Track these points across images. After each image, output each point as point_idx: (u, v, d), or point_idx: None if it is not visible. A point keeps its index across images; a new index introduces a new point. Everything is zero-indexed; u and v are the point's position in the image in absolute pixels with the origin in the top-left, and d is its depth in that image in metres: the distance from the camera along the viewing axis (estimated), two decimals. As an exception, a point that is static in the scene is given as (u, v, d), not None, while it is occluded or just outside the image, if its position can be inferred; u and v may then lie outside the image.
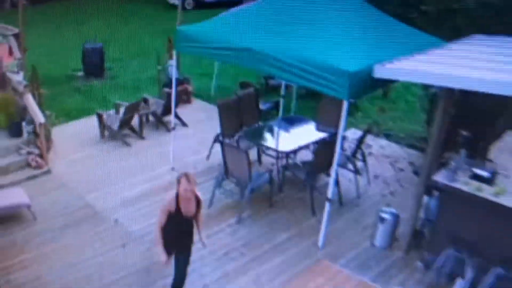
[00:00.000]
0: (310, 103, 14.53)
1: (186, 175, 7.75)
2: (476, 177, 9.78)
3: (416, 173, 12.76)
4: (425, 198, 10.66)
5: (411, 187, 12.02)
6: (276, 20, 11.11)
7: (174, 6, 23.19)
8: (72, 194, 11.90)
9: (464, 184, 9.63)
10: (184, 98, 16.05)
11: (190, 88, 16.69)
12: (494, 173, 9.85)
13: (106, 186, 12.16)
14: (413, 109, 13.97)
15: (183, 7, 17.70)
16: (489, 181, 9.69)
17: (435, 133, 10.18)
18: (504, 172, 10.01)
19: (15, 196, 11.21)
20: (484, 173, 9.81)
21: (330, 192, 10.28)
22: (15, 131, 13.20)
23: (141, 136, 14.35)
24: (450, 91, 9.85)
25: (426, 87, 12.65)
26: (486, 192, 9.37)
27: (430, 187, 10.42)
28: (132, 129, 14.41)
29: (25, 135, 13.14)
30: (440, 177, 9.89)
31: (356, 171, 12.26)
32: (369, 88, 10.18)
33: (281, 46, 10.31)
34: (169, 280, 9.03)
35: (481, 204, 9.32)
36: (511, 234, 9.04)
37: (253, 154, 12.27)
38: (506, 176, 9.90)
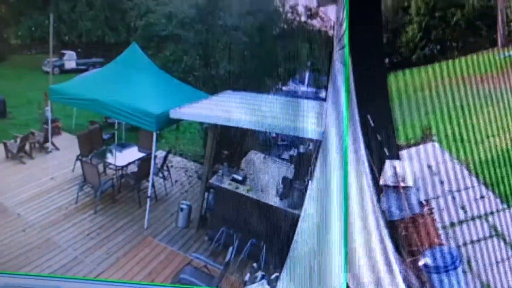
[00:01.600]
0: (134, 134, 14.05)
1: None
2: (235, 180, 10.69)
3: (199, 178, 12.81)
4: (206, 194, 11.13)
5: (198, 187, 12.08)
6: (109, 80, 11.49)
7: (47, 72, 23.34)
8: None
9: (228, 184, 10.62)
10: (56, 131, 15.52)
11: (60, 124, 16.47)
12: (244, 177, 10.79)
13: (11, 190, 11.66)
14: (195, 136, 13.77)
15: (52, 73, 17.90)
16: (242, 182, 10.64)
17: (208, 152, 11.06)
18: (250, 176, 10.90)
19: None
20: (239, 177, 10.74)
21: (149, 191, 11.22)
22: None
23: (31, 157, 14.27)
24: (215, 125, 10.77)
25: (201, 122, 12.35)
26: (241, 189, 10.35)
27: (208, 187, 11.01)
28: (25, 152, 14.28)
29: None
30: (213, 180, 10.85)
31: (164, 178, 12.57)
32: (168, 123, 11.04)
33: (114, 97, 10.81)
34: (53, 253, 9.66)
35: (239, 197, 10.20)
36: (258, 217, 9.68)
37: (100, 167, 12.25)
38: (252, 179, 10.80)
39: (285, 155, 11.92)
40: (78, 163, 12.68)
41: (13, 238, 10.35)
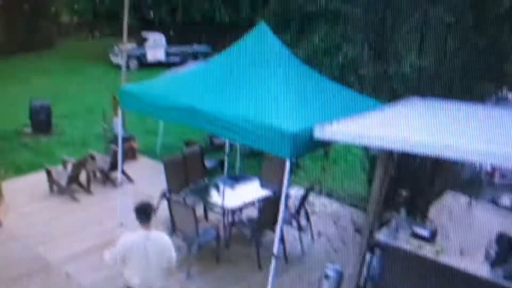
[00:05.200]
0: (254, 161, 14.41)
1: None
2: (417, 236, 9.83)
3: (358, 231, 12.48)
4: (368, 256, 10.45)
5: (354, 245, 11.66)
6: (218, 80, 11.02)
7: (118, 66, 23.36)
8: (23, 246, 11.57)
9: (405, 242, 9.73)
10: (129, 154, 15.69)
11: (135, 145, 16.42)
12: (433, 232, 9.86)
13: (57, 240, 11.85)
14: (353, 168, 14.07)
15: (127, 66, 17.66)
16: (429, 240, 9.76)
17: (375, 192, 9.99)
18: (443, 231, 10.00)
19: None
20: (424, 232, 9.84)
21: (275, 248, 9.93)
22: (-36, 185, 12.24)
23: (88, 191, 13.94)
24: (389, 152, 9.76)
25: (366, 148, 12.51)
26: (427, 250, 9.47)
27: (372, 245, 10.26)
28: (79, 184, 13.94)
29: (-24, 189, 12.09)
30: (381, 235, 9.99)
31: (300, 228, 12.06)
32: (309, 147, 10.00)
33: (224, 106, 10.20)
34: None
35: (422, 262, 9.40)
36: None
37: (199, 210, 11.94)
38: (445, 236, 9.90)
39: (505, 200, 11.26)
40: (165, 202, 11.92)
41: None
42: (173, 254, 8.50)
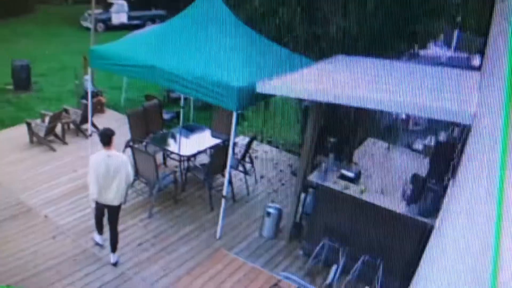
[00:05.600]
0: (206, 114, 14.97)
1: None
2: (344, 177, 10.60)
3: (294, 173, 13.21)
4: (303, 195, 11.33)
5: (291, 185, 12.49)
6: (174, 41, 11.68)
7: (87, 29, 24.49)
8: (6, 192, 12.18)
9: (334, 183, 10.49)
10: (98, 108, 16.43)
11: (103, 99, 17.13)
12: (358, 174, 10.68)
13: (36, 185, 12.53)
14: (290, 119, 14.38)
15: (95, 29, 18.42)
16: (354, 180, 10.56)
17: (307, 140, 10.93)
18: (366, 173, 10.87)
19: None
20: (350, 174, 10.67)
21: (225, 190, 11.10)
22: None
23: (64, 142, 14.80)
24: (319, 104, 10.61)
25: (300, 100, 12.82)
26: (352, 190, 10.24)
27: (306, 186, 11.05)
28: (56, 135, 14.77)
29: (-39, 139, 12.43)
30: (314, 177, 10.73)
31: (246, 172, 12.96)
32: (253, 101, 10.96)
33: (179, 64, 10.89)
34: (92, 267, 9.87)
35: (349, 200, 10.10)
36: (373, 226, 9.70)
37: (159, 157, 12.58)
38: (368, 177, 10.75)
39: (418, 145, 11.95)
40: (128, 151, 12.42)
41: (40, 246, 10.34)
42: (130, 169, 9.71)
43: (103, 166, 9.43)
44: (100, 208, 9.83)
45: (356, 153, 12.04)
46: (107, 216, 9.94)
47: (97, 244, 10.46)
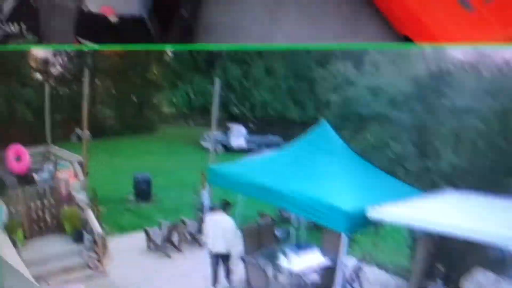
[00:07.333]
0: (317, 234, 14.79)
1: None
2: None
3: None
4: None
5: None
6: (287, 165, 12.17)
7: (206, 149, 25.58)
8: None
9: None
10: None
11: None
12: None
13: None
14: (399, 245, 14.51)
15: (214, 150, 19.14)
16: None
17: (417, 266, 11.12)
18: None
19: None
20: None
21: None
22: (78, 238, 14.34)
23: (179, 250, 15.38)
24: (429, 234, 10.61)
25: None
26: None
27: None
28: (172, 243, 15.40)
29: (85, 242, 14.08)
30: None
31: None
32: (363, 224, 10.84)
33: (292, 186, 11.15)
34: None
35: None
36: None
37: (269, 271, 12.51)
38: None
39: None
40: (241, 263, 12.74)
41: None
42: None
43: (213, 223, 12.22)
44: None
45: (465, 282, 11.58)
46: None
47: None
